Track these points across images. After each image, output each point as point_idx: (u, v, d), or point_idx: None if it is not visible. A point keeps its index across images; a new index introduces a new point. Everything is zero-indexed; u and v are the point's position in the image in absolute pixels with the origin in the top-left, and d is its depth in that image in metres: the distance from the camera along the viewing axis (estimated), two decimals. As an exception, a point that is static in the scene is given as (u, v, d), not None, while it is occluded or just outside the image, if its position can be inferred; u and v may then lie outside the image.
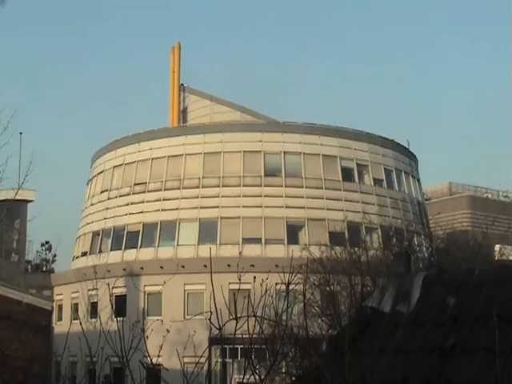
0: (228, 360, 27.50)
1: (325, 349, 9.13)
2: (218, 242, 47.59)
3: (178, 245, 48.69)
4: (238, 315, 7.99)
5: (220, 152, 50.67)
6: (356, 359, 7.22)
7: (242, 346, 7.67)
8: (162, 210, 50.03)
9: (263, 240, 47.91)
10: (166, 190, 50.67)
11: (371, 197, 51.58)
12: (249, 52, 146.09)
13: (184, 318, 43.04)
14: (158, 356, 8.78)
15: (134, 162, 52.92)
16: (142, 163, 52.39)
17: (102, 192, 54.57)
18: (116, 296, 39.60)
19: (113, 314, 10.50)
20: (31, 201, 57.06)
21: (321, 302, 29.01)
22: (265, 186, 49.64)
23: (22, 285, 43.47)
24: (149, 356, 8.41)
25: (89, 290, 39.94)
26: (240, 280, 8.76)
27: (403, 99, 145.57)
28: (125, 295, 44.29)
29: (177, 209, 49.67)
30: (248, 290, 9.25)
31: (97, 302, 39.27)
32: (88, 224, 54.72)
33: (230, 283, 14.03)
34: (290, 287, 8.22)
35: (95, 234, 53.43)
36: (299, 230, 48.98)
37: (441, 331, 7.29)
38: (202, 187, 49.87)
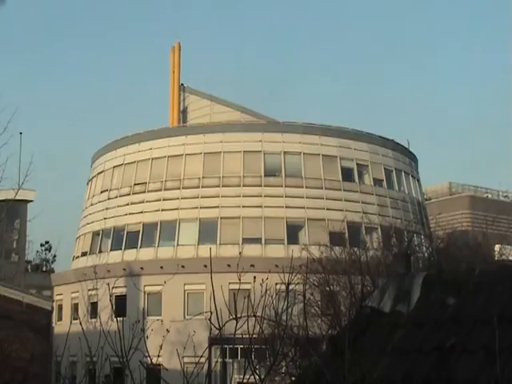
0: (228, 360, 27.49)
1: (325, 349, 9.13)
2: (218, 242, 47.58)
3: (178, 245, 48.68)
4: (238, 315, 7.99)
5: (220, 152, 50.66)
6: (356, 359, 7.22)
7: (242, 346, 7.67)
8: (162, 210, 50.02)
9: (263, 240, 47.89)
10: (165, 189, 50.65)
11: (371, 197, 51.57)
12: (249, 52, 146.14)
13: (184, 317, 43.07)
14: (158, 356, 8.77)
15: (134, 162, 52.91)
16: (142, 163, 52.38)
17: (102, 192, 54.56)
18: (116, 296, 39.59)
19: (113, 314, 10.49)
20: (31, 201, 57.08)
21: (321, 302, 28.98)
22: (265, 186, 49.63)
23: (22, 285, 43.44)
24: (149, 356, 8.40)
25: (89, 290, 39.91)
26: (240, 280, 8.76)
27: (403, 99, 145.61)
28: (125, 295, 44.28)
29: (177, 209, 49.66)
30: (248, 290, 9.24)
31: (97, 302, 39.32)
32: (88, 224, 54.71)
33: (230, 283, 14.03)
34: (290, 287, 8.23)
35: (95, 233, 53.42)
36: (299, 230, 48.96)
37: (441, 331, 7.29)
38: (202, 187, 49.86)
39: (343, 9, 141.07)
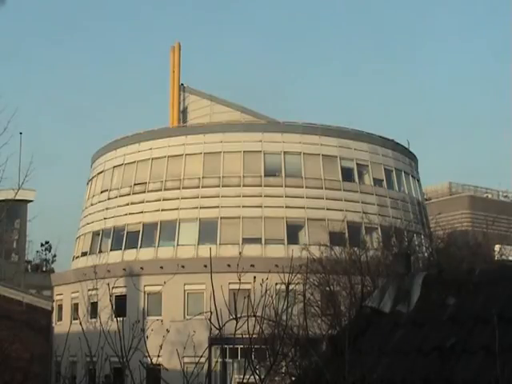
0: (228, 360, 27.44)
1: (325, 349, 9.13)
2: (218, 242, 47.57)
3: (178, 245, 48.68)
4: (238, 315, 7.98)
5: (220, 152, 50.66)
6: (356, 359, 7.22)
7: (242, 346, 7.67)
8: (162, 210, 50.02)
9: (263, 240, 47.89)
10: (165, 189, 50.66)
11: (371, 197, 51.57)
12: (249, 52, 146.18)
13: (184, 317, 43.07)
14: (158, 356, 8.76)
15: (134, 162, 52.91)
16: (142, 163, 52.38)
17: (102, 192, 54.56)
18: (116, 296, 39.58)
19: (113, 314, 10.48)
20: (31, 201, 57.18)
21: (321, 302, 28.96)
22: (265, 186, 49.63)
23: (22, 285, 43.47)
24: (149, 356, 8.39)
25: (89, 290, 39.88)
26: (240, 280, 8.74)
27: (403, 99, 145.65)
28: (125, 295, 44.27)
29: (177, 209, 49.66)
30: (248, 290, 9.23)
31: (97, 302, 39.25)
32: (88, 224, 54.71)
33: (230, 283, 14.02)
34: (290, 287, 8.22)
35: (95, 234, 53.42)
36: (299, 229, 48.96)
37: (441, 331, 7.29)
38: (202, 187, 49.86)
39: (343, 9, 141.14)
